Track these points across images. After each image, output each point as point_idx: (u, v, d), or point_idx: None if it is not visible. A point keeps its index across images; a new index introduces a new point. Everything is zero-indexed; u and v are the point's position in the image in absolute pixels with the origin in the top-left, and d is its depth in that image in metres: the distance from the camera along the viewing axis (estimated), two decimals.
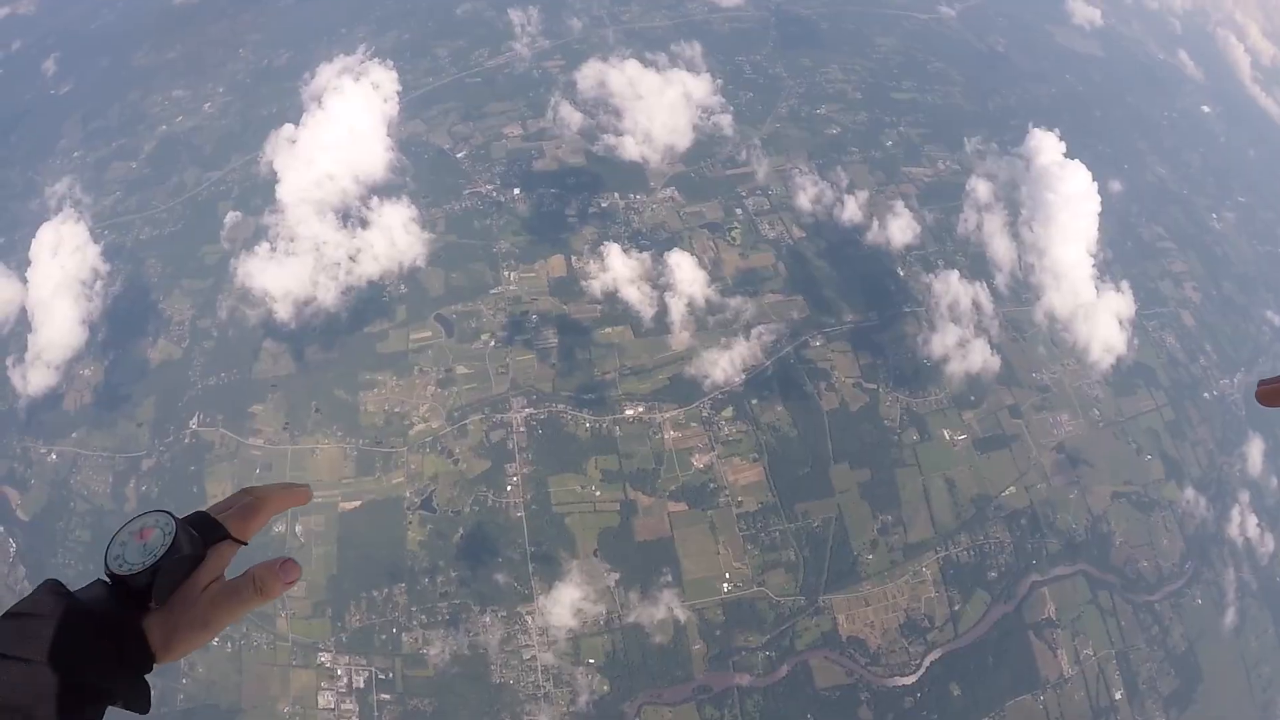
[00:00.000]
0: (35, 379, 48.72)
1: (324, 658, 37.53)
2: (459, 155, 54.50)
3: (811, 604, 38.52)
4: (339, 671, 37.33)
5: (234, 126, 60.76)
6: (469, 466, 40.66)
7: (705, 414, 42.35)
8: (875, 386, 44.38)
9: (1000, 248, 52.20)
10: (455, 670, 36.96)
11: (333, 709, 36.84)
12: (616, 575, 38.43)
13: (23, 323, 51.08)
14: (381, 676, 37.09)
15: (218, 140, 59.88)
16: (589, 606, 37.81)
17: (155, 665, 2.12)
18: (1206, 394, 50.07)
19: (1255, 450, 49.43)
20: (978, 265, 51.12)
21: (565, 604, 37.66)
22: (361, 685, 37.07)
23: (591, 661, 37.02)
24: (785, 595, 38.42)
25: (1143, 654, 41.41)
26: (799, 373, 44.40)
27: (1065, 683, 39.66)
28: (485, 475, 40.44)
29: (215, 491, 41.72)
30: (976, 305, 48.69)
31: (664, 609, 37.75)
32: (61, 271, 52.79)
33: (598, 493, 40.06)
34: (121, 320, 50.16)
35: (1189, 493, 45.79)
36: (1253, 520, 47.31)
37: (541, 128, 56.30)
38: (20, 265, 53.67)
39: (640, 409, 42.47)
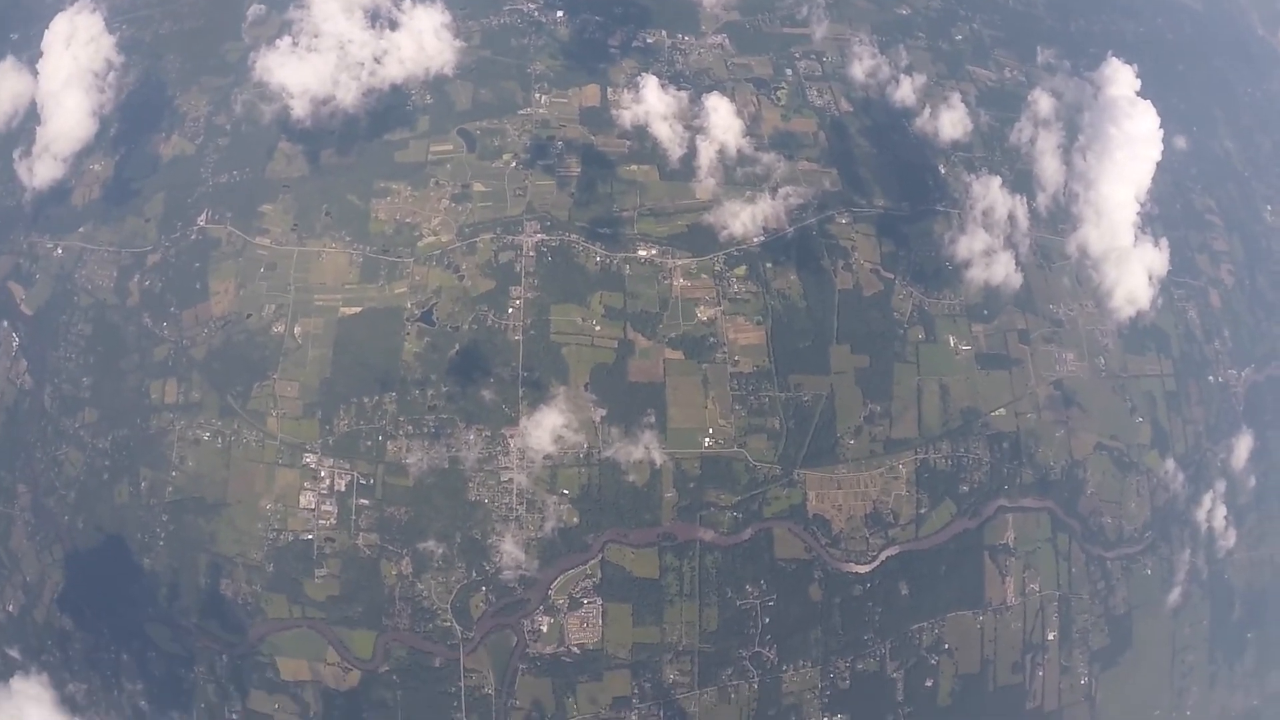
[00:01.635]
0: (42, 172, 47.98)
1: (309, 459, 38.43)
2: None
3: (786, 475, 39.13)
4: (322, 473, 38.29)
5: None
6: (473, 284, 40.23)
7: (718, 268, 41.56)
8: (892, 276, 43.48)
9: (1049, 168, 49.94)
10: (433, 482, 37.91)
11: (313, 509, 38.08)
12: (603, 412, 38.70)
13: (32, 116, 49.97)
14: (363, 482, 38.06)
15: None
16: (570, 435, 38.26)
17: None
18: (1212, 377, 49.59)
19: (1243, 446, 49.65)
20: (1022, 180, 49.08)
21: (547, 429, 38.06)
22: (342, 489, 38.10)
23: (565, 492, 37.87)
24: (763, 461, 38.96)
25: (1084, 604, 42.91)
26: (819, 246, 43.32)
27: (1006, 610, 41.23)
28: (488, 295, 40.07)
29: (218, 288, 41.81)
30: (1012, 218, 47.05)
31: (643, 451, 38.25)
32: (74, 63, 51.13)
33: (597, 328, 39.77)
34: (135, 115, 48.79)
35: (1169, 465, 46.03)
36: (1221, 511, 48.09)
37: None
38: (33, 60, 51.99)
39: (653, 251, 41.63)
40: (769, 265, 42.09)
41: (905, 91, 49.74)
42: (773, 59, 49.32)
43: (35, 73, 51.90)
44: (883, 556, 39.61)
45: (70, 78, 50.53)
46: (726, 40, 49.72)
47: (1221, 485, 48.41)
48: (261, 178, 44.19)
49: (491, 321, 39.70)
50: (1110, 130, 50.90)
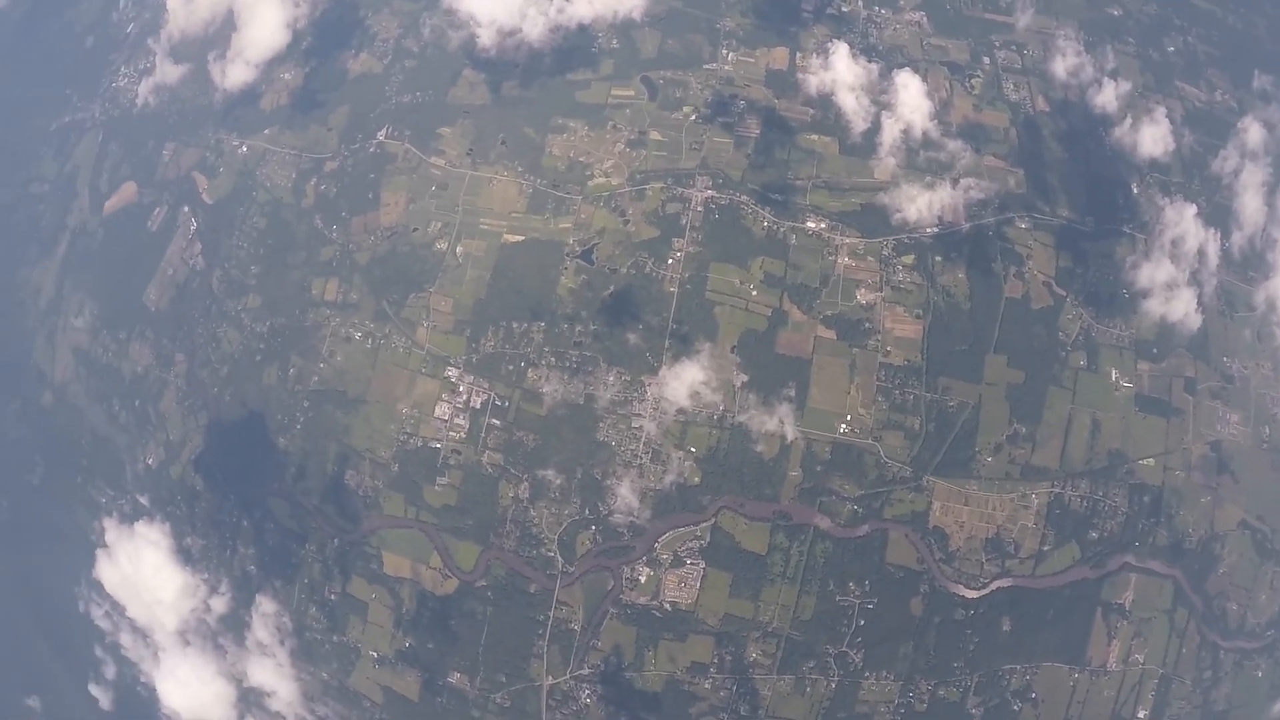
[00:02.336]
0: (235, 75, 51.70)
1: (451, 372, 40.03)
2: None
3: (915, 479, 37.58)
4: (461, 388, 39.80)
5: None
6: (637, 230, 40.47)
7: (886, 252, 40.09)
8: (1064, 294, 40.73)
9: (1250, 205, 45.52)
10: (565, 415, 38.67)
11: (446, 420, 39.73)
12: (745, 378, 38.31)
13: (229, 24, 53.66)
14: (498, 403, 39.29)
15: None
16: (708, 394, 38.14)
17: None
18: None
19: None
20: (1218, 213, 44.87)
21: (686, 383, 38.10)
22: (477, 406, 39.48)
23: (692, 450, 37.80)
24: (895, 459, 37.57)
25: (1184, 689, 39.28)
26: (993, 248, 41.02)
27: (1104, 674, 38.38)
28: (651, 243, 40.21)
29: (388, 199, 43.96)
30: (1202, 253, 43.25)
31: (777, 423, 37.63)
32: None
33: (754, 292, 39.27)
34: (327, 31, 51.74)
35: None
36: None
37: None
38: None
39: (823, 225, 40.57)
40: (938, 259, 40.19)
41: (1108, 97, 46.07)
42: (971, 44, 46.62)
43: None
44: (994, 585, 37.61)
45: None
46: (925, 18, 47.35)
47: None
48: (443, 101, 45.77)
49: (650, 269, 39.85)
50: None
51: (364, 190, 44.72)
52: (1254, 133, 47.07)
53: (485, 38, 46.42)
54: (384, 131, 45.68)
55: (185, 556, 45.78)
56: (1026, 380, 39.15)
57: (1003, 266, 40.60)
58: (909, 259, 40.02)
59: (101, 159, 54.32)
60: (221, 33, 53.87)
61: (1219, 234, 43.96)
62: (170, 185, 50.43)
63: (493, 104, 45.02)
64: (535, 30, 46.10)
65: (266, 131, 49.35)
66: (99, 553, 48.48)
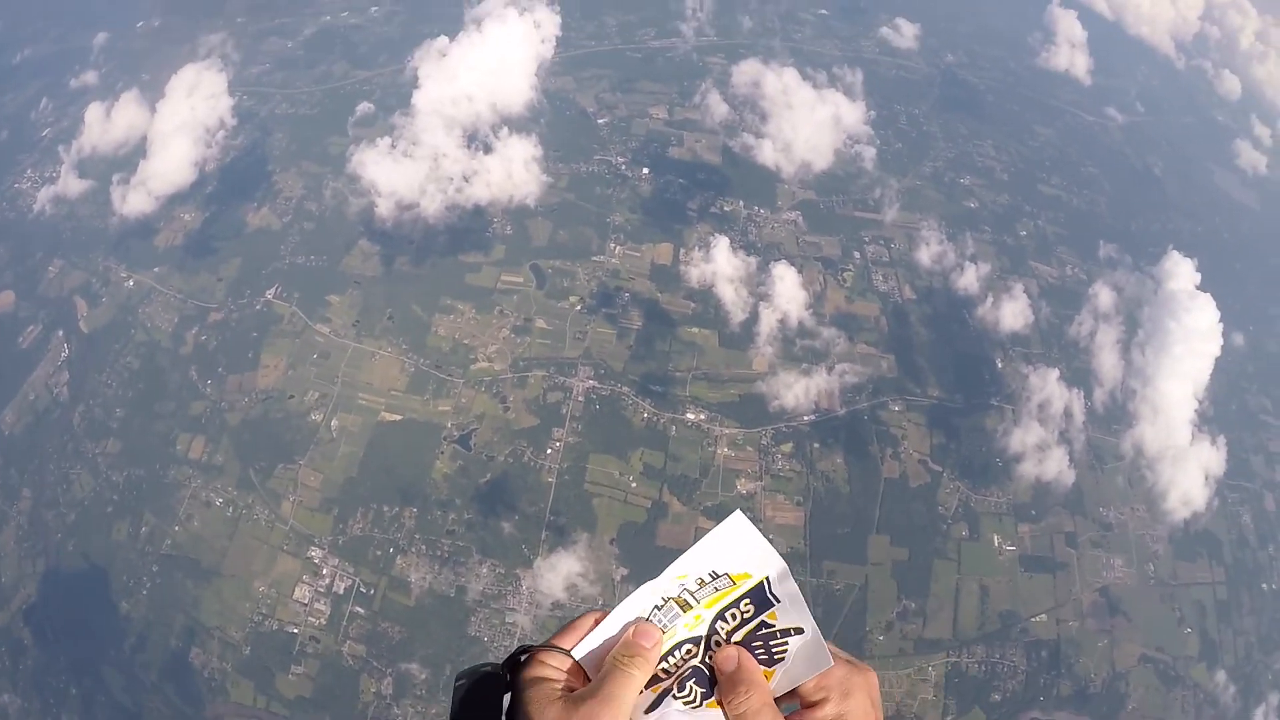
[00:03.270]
0: (134, 202, 50.76)
1: (315, 553, 37.41)
2: (600, 121, 54.74)
3: None
4: (324, 571, 37.11)
5: (393, 35, 62.29)
6: (517, 418, 40.04)
7: (764, 442, 40.82)
8: (940, 469, 42.21)
9: (1107, 363, 49.20)
10: (434, 607, 36.36)
11: (305, 604, 36.63)
12: (625, 571, 37.22)
13: (139, 151, 53.24)
14: (363, 590, 36.70)
15: (374, 43, 61.62)
16: (585, 586, 36.71)
17: None
18: (1265, 585, 46.13)
19: None
20: (1080, 374, 48.34)
21: (563, 574, 36.63)
22: (340, 591, 36.78)
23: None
24: None
25: None
26: (869, 431, 42.50)
27: None
28: (530, 431, 39.74)
29: (268, 362, 42.35)
30: (1068, 413, 45.95)
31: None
32: (190, 113, 54.80)
33: (634, 484, 38.91)
34: (234, 179, 51.66)
35: (1219, 677, 42.00)
36: None
37: (686, 117, 55.96)
38: (155, 100, 55.72)
39: (702, 416, 41.19)
40: (815, 445, 41.24)
41: (969, 279, 50.08)
42: (842, 240, 50.29)
43: (153, 111, 55.43)
44: None
45: (183, 125, 53.95)
46: (800, 217, 51.00)
47: (1275, 698, 43.30)
48: (336, 268, 45.57)
49: (528, 458, 39.16)
50: (1170, 324, 50.22)
51: (245, 348, 43.06)
52: (1104, 296, 51.58)
53: (384, 208, 47.19)
54: (273, 290, 44.73)
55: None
56: (911, 557, 39.59)
57: (879, 448, 41.91)
58: (787, 447, 40.90)
59: None
60: (131, 157, 53.10)
61: (1082, 393, 46.87)
62: (50, 304, 47.46)
63: (384, 277, 45.11)
64: (433, 206, 47.30)
65: (156, 269, 47.66)
66: None
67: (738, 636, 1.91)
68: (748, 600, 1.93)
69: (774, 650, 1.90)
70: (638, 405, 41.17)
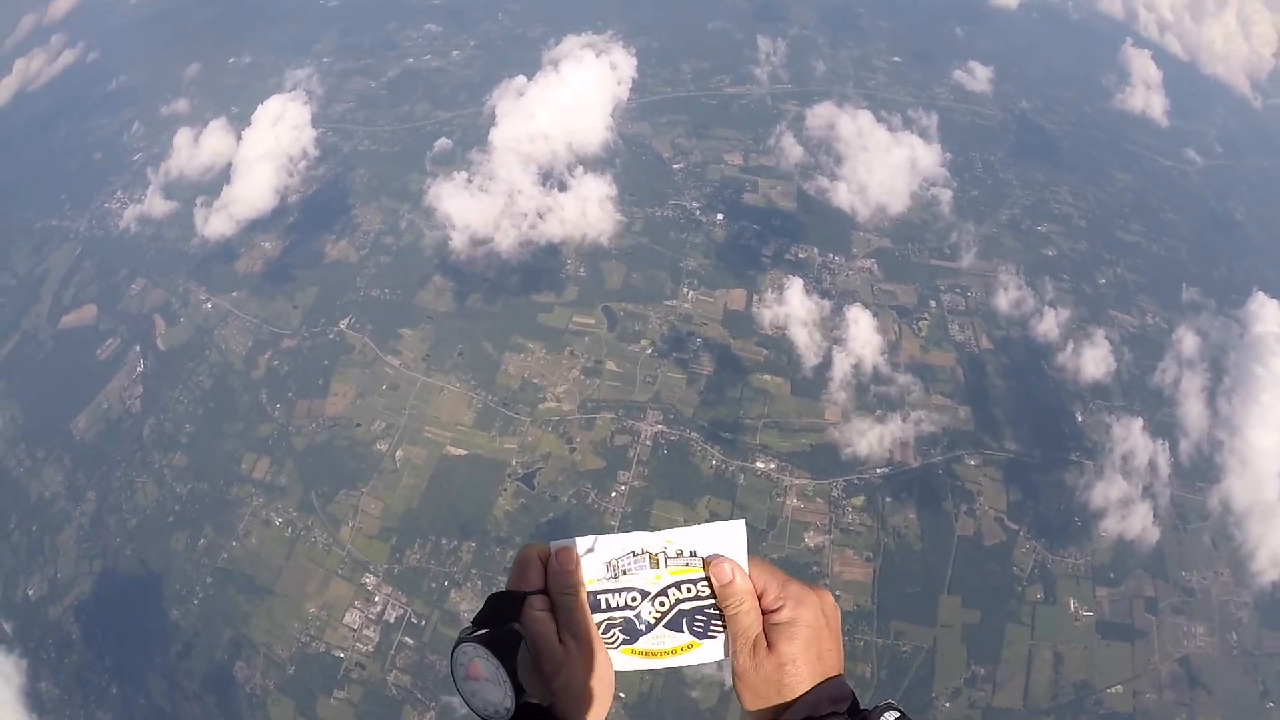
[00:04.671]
0: (215, 225, 53.14)
1: (369, 580, 37.49)
2: (675, 166, 54.96)
3: None
4: (377, 599, 37.08)
5: (474, 77, 64.22)
6: (583, 459, 39.69)
7: (835, 494, 39.52)
8: (1017, 528, 40.10)
9: (1193, 412, 46.32)
10: None
11: (354, 630, 36.60)
12: None
13: (225, 175, 56.05)
14: (414, 621, 36.48)
15: (454, 85, 63.64)
16: None
17: None
18: None
19: None
20: (1164, 426, 45.67)
21: None
22: (391, 620, 36.65)
23: (622, 695, 34.70)
24: None
25: None
26: (944, 486, 40.79)
27: None
28: (595, 474, 39.32)
29: (338, 390, 43.17)
30: (1152, 466, 43.33)
31: (715, 669, 34.85)
32: (275, 141, 57.13)
33: None
34: (314, 210, 53.67)
35: None
36: None
37: (761, 163, 55.83)
38: (241, 129, 58.48)
39: (772, 465, 40.13)
40: (888, 500, 39.70)
41: (1049, 325, 48.20)
42: (918, 288, 49.14)
43: (239, 139, 58.12)
44: None
45: (267, 153, 56.28)
46: (875, 265, 50.13)
47: None
48: (410, 302, 46.39)
49: (592, 500, 38.69)
50: (1258, 370, 47.46)
51: (315, 375, 44.03)
52: (1188, 341, 48.88)
53: (458, 243, 48.04)
54: (347, 320, 45.80)
55: (35, 701, 39.90)
56: (983, 619, 37.42)
57: (954, 504, 40.11)
58: (859, 500, 39.51)
59: (73, 272, 53.89)
60: (215, 182, 55.82)
61: (1167, 445, 44.18)
62: (129, 319, 49.68)
63: (456, 313, 45.70)
64: (507, 242, 47.98)
65: (234, 294, 49.45)
66: None
67: (684, 607, 2.10)
68: (706, 584, 2.09)
69: (710, 629, 2.12)
70: (706, 452, 40.35)
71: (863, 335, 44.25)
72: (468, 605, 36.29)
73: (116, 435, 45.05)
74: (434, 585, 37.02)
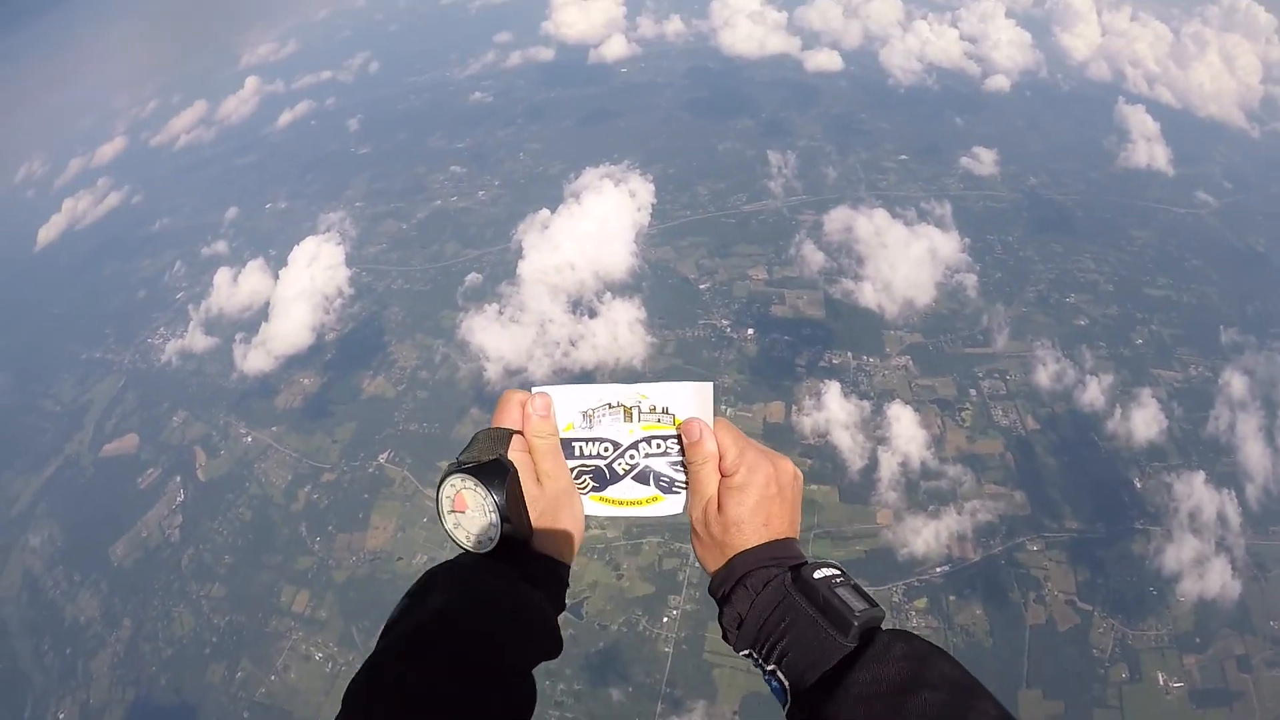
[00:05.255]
0: (254, 360, 55.15)
1: None
2: (701, 287, 56.07)
3: None
4: None
5: (500, 215, 67.44)
6: (631, 586, 38.79)
7: (896, 599, 37.96)
8: (1090, 608, 37.96)
9: (1254, 455, 44.47)
10: None
11: None
12: None
13: (263, 314, 58.77)
14: None
15: (481, 223, 66.86)
16: None
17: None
18: None
19: None
20: (1227, 476, 43.77)
21: None
22: None
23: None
24: None
25: None
26: (1008, 576, 39.10)
27: None
28: (645, 599, 38.31)
29: (378, 523, 43.35)
30: (1222, 518, 41.32)
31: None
32: (310, 281, 59.88)
33: None
34: (351, 348, 55.53)
35: None
36: None
37: (785, 275, 56.88)
38: (278, 269, 61.73)
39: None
40: (952, 598, 38.00)
41: (1093, 393, 47.25)
42: (956, 379, 48.80)
43: (276, 279, 61.00)
44: None
45: (303, 292, 58.84)
46: (910, 361, 50.03)
47: None
48: (448, 435, 46.93)
49: (644, 628, 37.49)
50: None
51: (355, 509, 44.30)
52: (1237, 384, 47.47)
53: (492, 373, 49.24)
54: (385, 455, 46.45)
55: None
56: (1067, 710, 34.87)
57: (1020, 593, 38.26)
58: (921, 603, 37.89)
59: (115, 403, 55.72)
60: (254, 320, 58.46)
61: (1233, 493, 42.20)
62: (170, 450, 50.76)
63: None
64: (540, 371, 48.91)
65: (274, 429, 50.62)
66: None
67: (652, 463, 2.18)
68: (676, 442, 2.15)
69: (674, 485, 2.22)
70: None
71: (906, 431, 43.65)
72: None
73: (155, 564, 45.25)
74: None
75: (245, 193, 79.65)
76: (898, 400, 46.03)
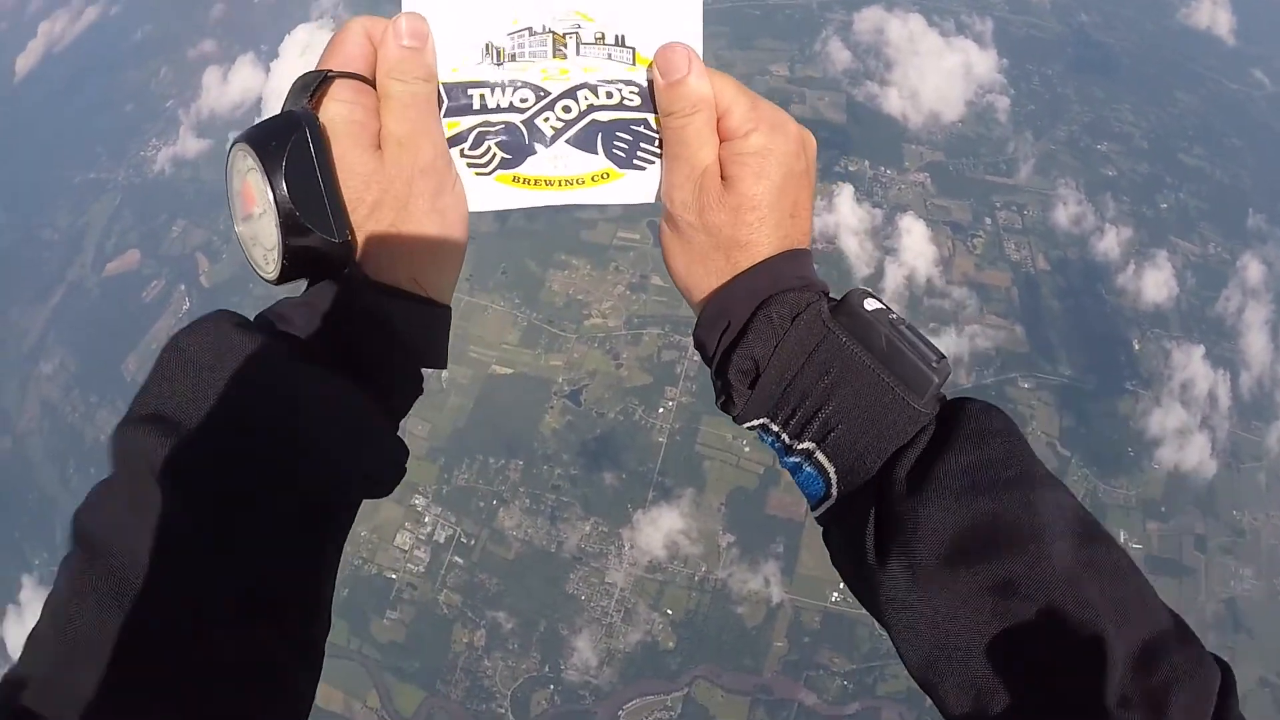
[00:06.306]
0: None
1: (419, 501, 37.55)
2: None
3: None
4: (427, 520, 37.16)
5: None
6: (630, 375, 39.28)
7: None
8: (1069, 454, 39.14)
9: (1256, 344, 44.93)
10: (534, 562, 36.06)
11: (406, 551, 36.86)
12: (731, 537, 36.02)
13: (256, 110, 56.95)
14: (464, 540, 36.64)
15: None
16: (689, 549, 35.63)
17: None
18: None
19: None
20: (1224, 359, 44.29)
21: (663, 530, 35.78)
22: (441, 541, 36.80)
23: (669, 611, 35.06)
24: None
25: None
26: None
27: None
28: (642, 389, 38.93)
29: None
30: (1212, 397, 42.24)
31: (762, 583, 34.97)
32: (304, 69, 56.51)
33: (747, 448, 37.24)
34: None
35: None
36: None
37: (807, 74, 53.67)
38: (270, 61, 58.21)
39: None
40: None
41: (1109, 243, 46.55)
42: (973, 205, 47.35)
43: (268, 71, 57.57)
44: None
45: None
46: (928, 179, 48.29)
47: None
48: None
49: (640, 417, 38.35)
50: None
51: None
52: (1254, 270, 47.13)
53: None
54: None
55: None
56: None
57: None
58: None
59: (114, 221, 54.72)
60: (248, 117, 56.13)
61: (1228, 375, 43.04)
62: (173, 261, 50.36)
63: (498, 232, 44.91)
64: None
65: None
66: (9, 608, 44.07)
67: (600, 117, 1.26)
68: (637, 91, 1.25)
69: (638, 154, 1.28)
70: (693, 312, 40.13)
71: (916, 246, 43.07)
72: (514, 522, 36.70)
73: None
74: (482, 504, 37.16)
75: None
76: (910, 213, 45.01)
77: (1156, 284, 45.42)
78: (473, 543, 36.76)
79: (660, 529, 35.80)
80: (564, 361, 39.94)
